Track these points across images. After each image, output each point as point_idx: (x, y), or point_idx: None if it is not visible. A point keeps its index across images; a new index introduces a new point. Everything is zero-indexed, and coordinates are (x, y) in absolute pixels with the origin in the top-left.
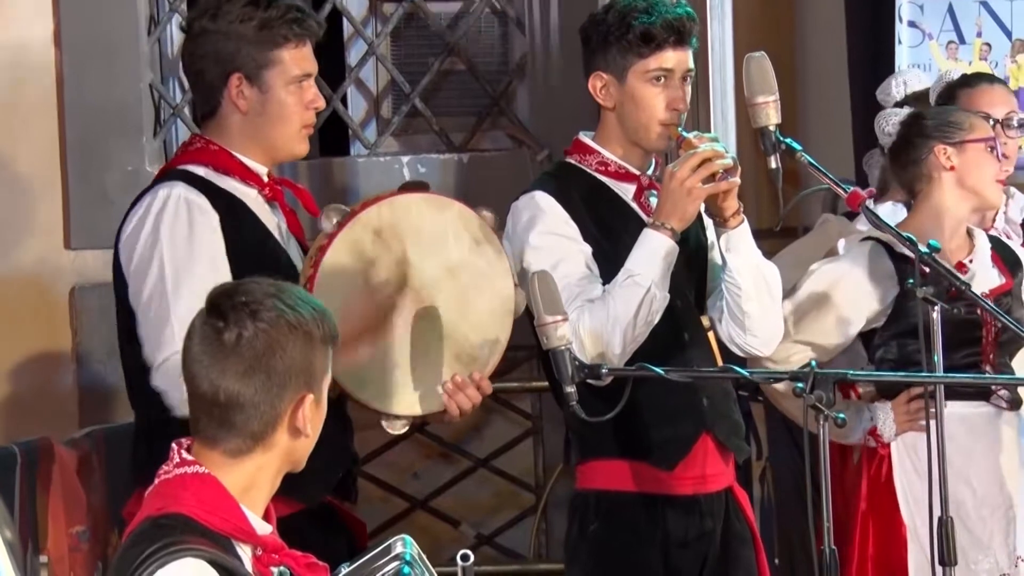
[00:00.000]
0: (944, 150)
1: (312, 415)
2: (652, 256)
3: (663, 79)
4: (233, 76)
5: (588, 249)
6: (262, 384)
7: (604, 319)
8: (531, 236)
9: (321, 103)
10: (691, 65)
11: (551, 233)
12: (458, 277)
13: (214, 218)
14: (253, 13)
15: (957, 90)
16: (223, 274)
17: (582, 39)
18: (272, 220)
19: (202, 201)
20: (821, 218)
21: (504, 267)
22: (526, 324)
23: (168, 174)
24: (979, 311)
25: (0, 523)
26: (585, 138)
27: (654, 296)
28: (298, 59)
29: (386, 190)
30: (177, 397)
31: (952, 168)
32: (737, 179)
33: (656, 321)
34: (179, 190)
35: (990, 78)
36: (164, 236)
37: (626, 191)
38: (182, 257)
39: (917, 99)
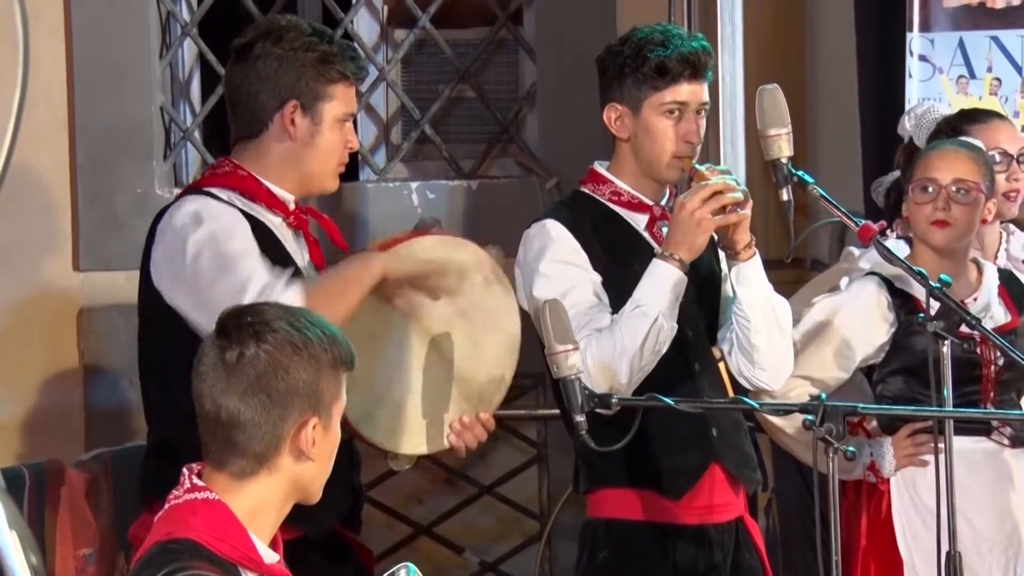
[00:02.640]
0: (906, 200)
1: (320, 440)
2: (660, 286)
3: (677, 112)
4: (289, 103)
5: (597, 278)
6: (262, 404)
7: (611, 349)
8: (541, 264)
9: (356, 144)
10: (705, 98)
11: (560, 262)
12: (469, 318)
13: (246, 224)
14: (316, 45)
15: (964, 125)
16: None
17: (599, 70)
18: (296, 249)
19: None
20: (844, 252)
21: (512, 306)
22: (533, 351)
23: (192, 191)
24: (979, 350)
25: (25, 548)
26: (600, 168)
27: (661, 326)
28: (347, 98)
29: (401, 231)
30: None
31: (906, 217)
32: (747, 212)
33: (664, 351)
34: (209, 199)
35: (999, 114)
36: (207, 223)
37: (638, 221)
38: (225, 229)
39: (947, 122)
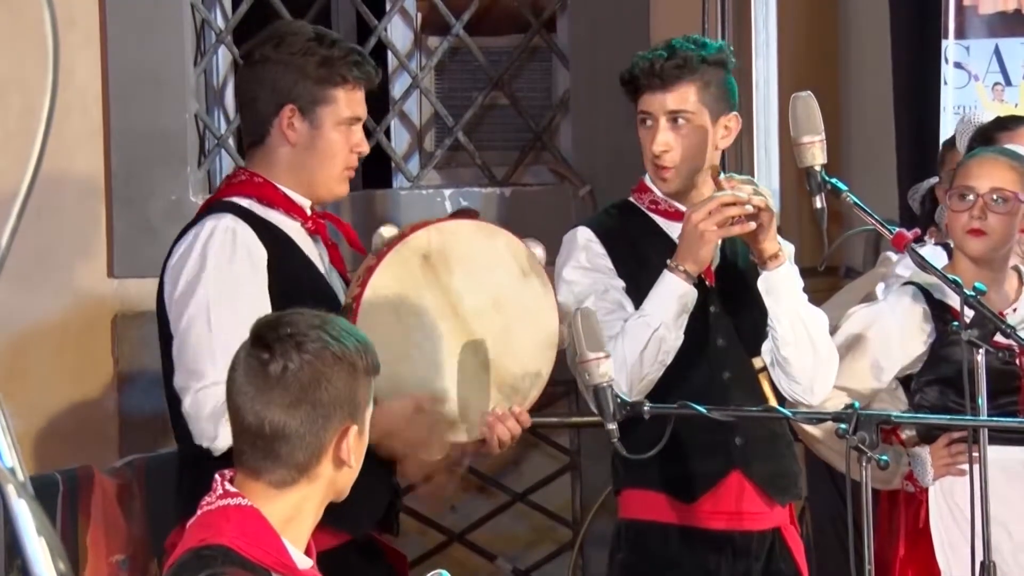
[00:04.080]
0: (945, 205)
1: (356, 446)
2: (665, 297)
3: (647, 121)
4: (286, 107)
5: (620, 284)
6: (307, 415)
7: (613, 357)
8: (565, 270)
9: (365, 148)
10: (674, 106)
11: (582, 268)
12: (504, 307)
13: (262, 253)
14: (316, 49)
15: (995, 132)
16: (264, 311)
17: None
18: (314, 253)
19: (250, 236)
20: (882, 256)
21: (550, 301)
22: (564, 358)
23: (214, 206)
24: (1018, 361)
25: (54, 555)
26: (645, 177)
27: (663, 337)
28: (351, 102)
29: (432, 218)
30: (201, 428)
31: (946, 224)
32: (752, 226)
33: (668, 361)
34: (227, 221)
35: None
36: (210, 267)
37: (674, 229)
38: (226, 291)
39: (980, 131)
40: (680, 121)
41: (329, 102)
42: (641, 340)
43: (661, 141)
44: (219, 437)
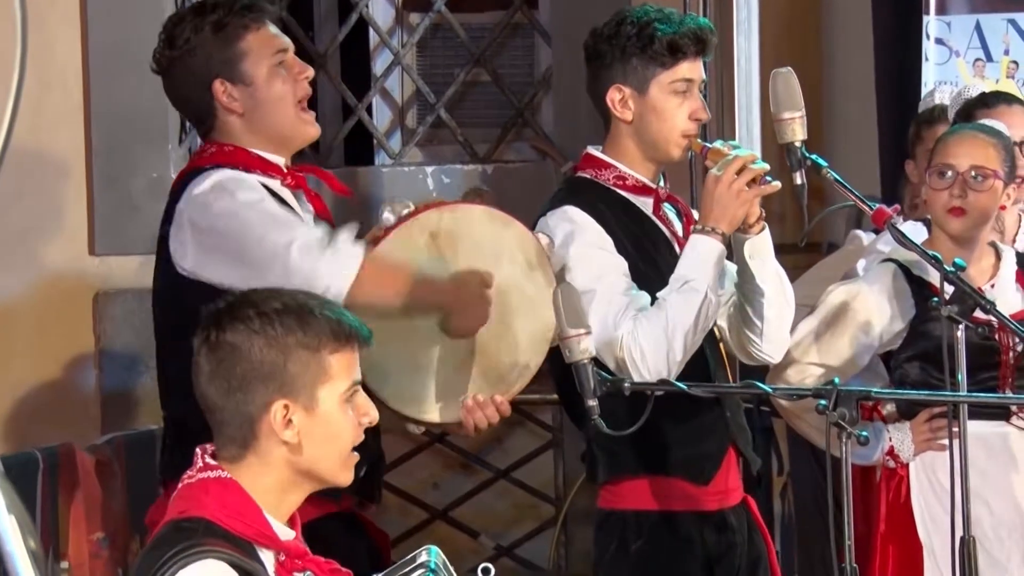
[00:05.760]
0: (925, 180)
1: (306, 423)
2: (704, 261)
3: (685, 90)
4: (214, 83)
5: (624, 261)
6: (223, 389)
7: (663, 326)
8: (571, 251)
9: (309, 71)
10: (703, 75)
11: (590, 246)
12: (504, 296)
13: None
14: (202, 22)
15: (975, 109)
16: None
17: (590, 54)
18: (299, 208)
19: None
20: (850, 235)
21: (550, 296)
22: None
23: (190, 174)
24: (997, 336)
25: (24, 532)
26: (596, 152)
27: (710, 301)
28: (263, 40)
29: (427, 199)
30: (315, 272)
31: (925, 201)
32: (779, 183)
33: (711, 326)
34: (217, 174)
35: (1008, 98)
36: (236, 192)
37: (644, 204)
38: (253, 195)
39: (964, 107)
40: (701, 91)
41: (244, 55)
42: (693, 306)
43: (704, 108)
44: (337, 270)
